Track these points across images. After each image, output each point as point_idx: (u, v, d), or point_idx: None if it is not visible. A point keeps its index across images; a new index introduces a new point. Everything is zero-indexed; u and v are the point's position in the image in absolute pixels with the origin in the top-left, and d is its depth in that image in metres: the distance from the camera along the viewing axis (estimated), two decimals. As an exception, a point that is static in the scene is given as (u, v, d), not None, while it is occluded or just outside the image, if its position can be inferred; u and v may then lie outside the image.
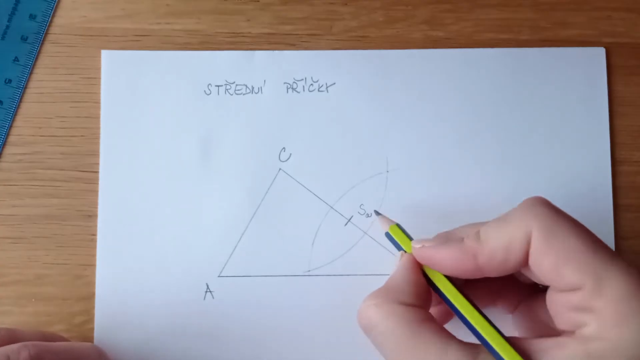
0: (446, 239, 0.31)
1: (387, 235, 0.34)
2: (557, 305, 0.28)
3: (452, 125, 0.38)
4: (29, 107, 0.39)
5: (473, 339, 0.29)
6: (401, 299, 0.30)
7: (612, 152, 0.38)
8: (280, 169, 0.38)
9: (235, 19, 0.39)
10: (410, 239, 0.33)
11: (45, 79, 0.39)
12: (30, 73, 0.39)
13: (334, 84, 0.39)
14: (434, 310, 0.34)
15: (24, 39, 0.39)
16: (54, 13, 0.39)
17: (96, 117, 0.38)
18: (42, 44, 0.39)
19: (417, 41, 0.39)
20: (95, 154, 0.38)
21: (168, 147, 0.38)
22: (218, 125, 0.38)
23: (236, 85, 0.39)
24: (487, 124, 0.38)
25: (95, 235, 0.38)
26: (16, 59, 0.38)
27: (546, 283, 0.29)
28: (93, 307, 0.37)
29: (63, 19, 0.39)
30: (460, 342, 0.28)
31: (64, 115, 0.38)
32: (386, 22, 0.39)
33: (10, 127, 0.38)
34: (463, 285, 0.32)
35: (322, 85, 0.39)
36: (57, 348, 0.32)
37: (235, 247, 0.37)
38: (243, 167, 0.38)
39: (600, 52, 0.39)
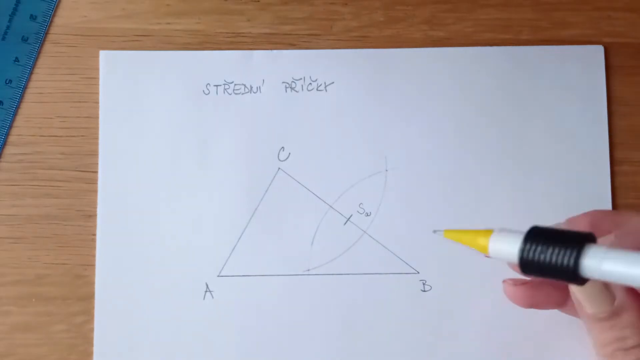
0: None
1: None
2: (593, 336, 0.28)
3: (451, 124, 0.38)
4: (29, 107, 0.39)
5: None
6: None
7: (612, 152, 0.38)
8: (279, 168, 0.38)
9: (236, 19, 0.39)
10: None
11: (46, 79, 0.39)
12: (31, 73, 0.39)
13: (333, 83, 0.39)
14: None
15: (24, 39, 0.39)
16: (54, 13, 0.39)
17: (96, 117, 0.38)
18: (43, 44, 0.39)
19: (417, 41, 0.39)
20: (95, 154, 0.38)
21: (167, 147, 0.38)
22: (217, 124, 0.38)
23: (235, 84, 0.39)
24: (486, 122, 0.38)
25: (95, 235, 0.38)
26: (16, 60, 0.39)
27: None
28: (93, 307, 0.37)
29: (63, 19, 0.39)
30: None
31: (64, 115, 0.39)
32: (386, 22, 0.39)
33: (11, 127, 0.38)
34: None
35: (320, 85, 0.39)
36: None
37: (235, 246, 0.37)
38: (242, 167, 0.38)
39: (599, 49, 0.39)
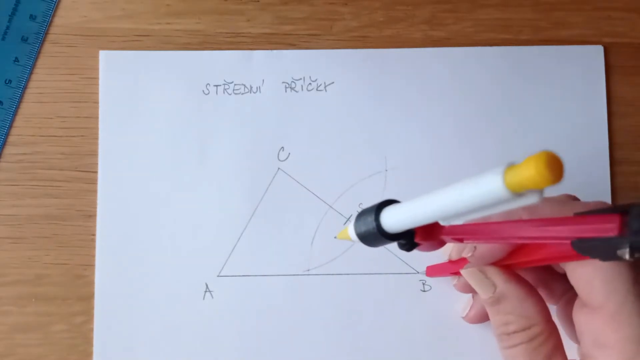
0: None
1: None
2: (581, 326, 0.27)
3: (451, 123, 0.38)
4: (29, 107, 0.39)
5: None
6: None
7: (612, 152, 0.38)
8: (279, 168, 0.38)
9: (236, 19, 0.39)
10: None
11: (45, 79, 0.39)
12: (31, 73, 0.39)
13: (333, 83, 0.39)
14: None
15: (24, 39, 0.39)
16: (54, 13, 0.39)
17: (96, 117, 0.38)
18: (42, 44, 0.39)
19: (417, 41, 0.39)
20: (95, 154, 0.38)
21: (167, 147, 0.38)
22: (217, 124, 0.38)
23: (235, 84, 0.39)
24: (486, 122, 0.38)
25: (95, 235, 0.38)
26: (16, 60, 0.39)
27: (575, 289, 0.28)
28: (93, 307, 0.37)
29: (63, 19, 0.39)
30: None
31: (64, 115, 0.39)
32: (386, 22, 0.39)
33: (11, 127, 0.38)
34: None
35: (320, 85, 0.39)
36: None
37: (235, 246, 0.37)
38: (242, 167, 0.38)
39: (599, 50, 0.39)
